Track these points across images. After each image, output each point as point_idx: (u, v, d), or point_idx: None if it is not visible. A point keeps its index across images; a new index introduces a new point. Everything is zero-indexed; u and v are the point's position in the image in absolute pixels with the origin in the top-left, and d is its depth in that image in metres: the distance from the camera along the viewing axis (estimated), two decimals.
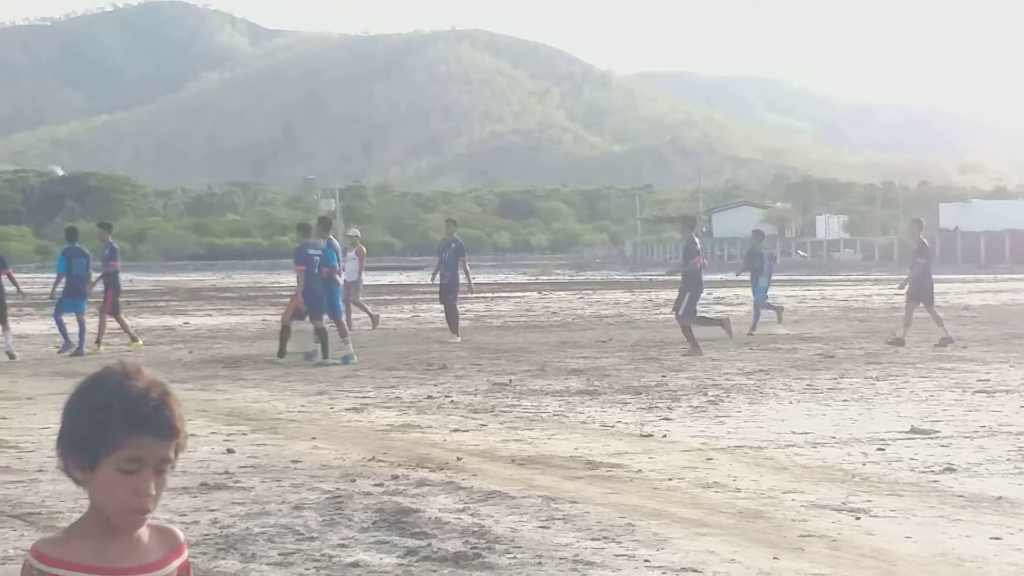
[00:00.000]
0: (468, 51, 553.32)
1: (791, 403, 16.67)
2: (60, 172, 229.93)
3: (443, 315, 29.14)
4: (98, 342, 26.12)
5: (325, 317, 23.60)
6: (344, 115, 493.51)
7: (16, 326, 28.34)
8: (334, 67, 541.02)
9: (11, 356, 24.44)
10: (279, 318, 29.58)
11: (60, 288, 26.19)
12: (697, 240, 25.57)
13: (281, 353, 23.68)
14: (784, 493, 10.46)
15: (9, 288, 25.66)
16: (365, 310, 32.21)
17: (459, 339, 27.46)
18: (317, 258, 24.00)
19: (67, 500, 10.32)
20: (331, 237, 24.91)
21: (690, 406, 16.35)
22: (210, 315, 40.98)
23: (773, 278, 33.13)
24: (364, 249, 32.70)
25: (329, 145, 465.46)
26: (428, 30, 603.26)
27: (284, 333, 24.13)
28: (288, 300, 26.21)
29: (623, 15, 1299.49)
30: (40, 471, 11.63)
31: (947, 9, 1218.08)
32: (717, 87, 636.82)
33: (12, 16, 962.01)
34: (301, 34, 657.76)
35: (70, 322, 25.74)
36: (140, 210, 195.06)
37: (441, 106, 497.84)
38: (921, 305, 25.87)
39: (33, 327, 33.60)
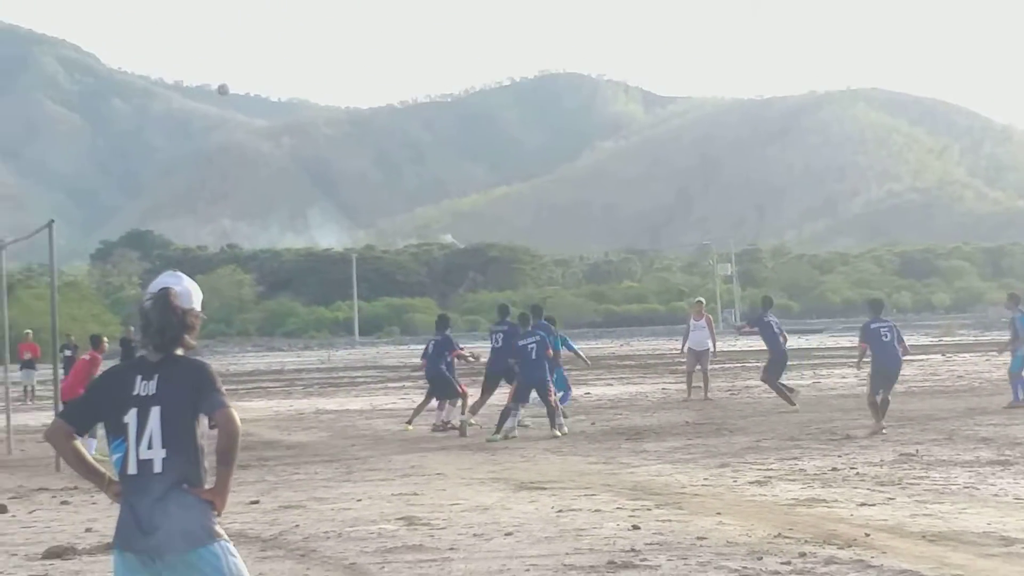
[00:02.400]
0: (863, 110, 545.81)
1: None
2: (450, 240, 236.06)
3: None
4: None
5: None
6: (738, 179, 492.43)
7: (418, 399, 28.91)
8: (727, 131, 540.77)
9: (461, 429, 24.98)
10: (684, 386, 29.71)
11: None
12: None
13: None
14: None
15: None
16: (689, 383, 32.09)
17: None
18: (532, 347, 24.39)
19: None
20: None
21: None
22: (610, 384, 41.29)
23: None
24: (711, 317, 32.54)
25: (723, 209, 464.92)
26: (822, 91, 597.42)
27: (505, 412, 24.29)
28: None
29: (1020, 67, 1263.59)
30: (452, 549, 11.89)
31: None
32: None
33: (415, 94, 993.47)
34: (694, 100, 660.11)
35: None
36: (539, 279, 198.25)
37: (836, 167, 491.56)
38: None
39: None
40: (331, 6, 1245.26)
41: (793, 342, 29.12)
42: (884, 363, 23.24)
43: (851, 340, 78.55)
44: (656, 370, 50.62)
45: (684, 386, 32.79)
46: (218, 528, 6.45)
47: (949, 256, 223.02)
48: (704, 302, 33.54)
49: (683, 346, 31.25)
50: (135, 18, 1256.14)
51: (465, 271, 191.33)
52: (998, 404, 27.83)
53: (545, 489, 15.98)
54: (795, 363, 45.16)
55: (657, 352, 73.21)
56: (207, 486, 6.52)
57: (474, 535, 12.64)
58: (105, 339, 25.01)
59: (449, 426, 25.48)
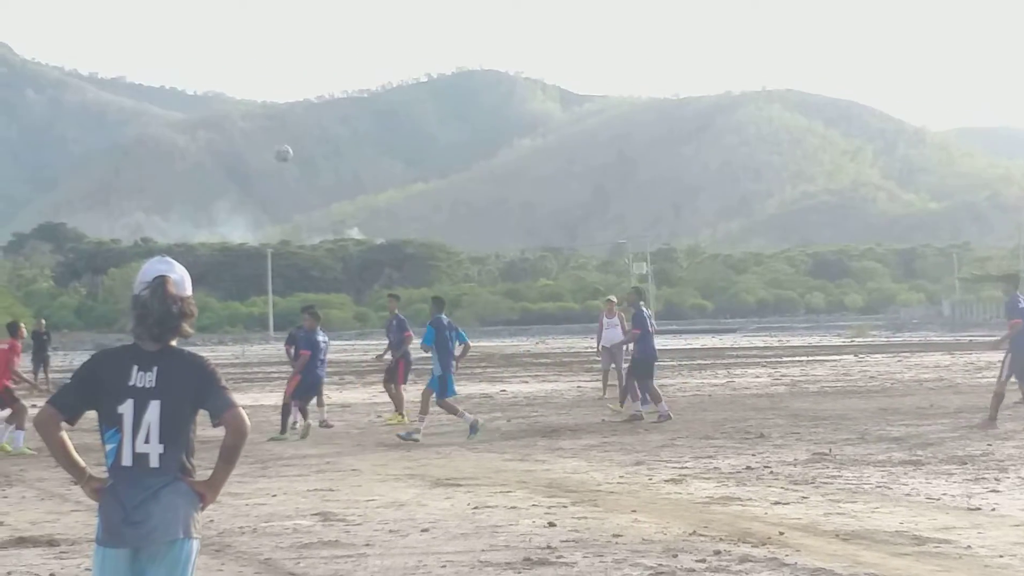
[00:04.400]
0: (779, 111, 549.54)
1: None
2: (357, 234, 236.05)
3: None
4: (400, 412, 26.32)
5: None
6: (654, 178, 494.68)
7: (339, 395, 29.03)
8: (644, 130, 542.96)
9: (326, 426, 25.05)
10: (599, 384, 29.81)
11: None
12: (1021, 297, 23.76)
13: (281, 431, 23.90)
14: None
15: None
16: (604, 382, 32.10)
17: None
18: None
19: (396, 573, 10.52)
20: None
21: (1019, 477, 15.88)
22: (526, 382, 41.37)
23: None
24: (623, 315, 32.32)
25: (639, 208, 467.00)
26: (738, 91, 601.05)
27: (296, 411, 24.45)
28: None
29: (937, 71, 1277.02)
30: (368, 545, 11.87)
31: None
32: None
33: (332, 89, 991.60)
34: (611, 99, 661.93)
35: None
36: (455, 276, 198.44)
37: (751, 167, 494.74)
38: None
39: (356, 396, 34.41)
40: (248, 0, 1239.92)
41: (707, 341, 29.24)
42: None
43: (764, 340, 79.33)
44: (571, 368, 50.75)
45: (599, 384, 32.85)
46: (197, 526, 6.41)
47: (862, 257, 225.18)
48: (616, 300, 33.50)
49: (598, 344, 31.32)
50: (50, 7, 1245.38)
51: (381, 267, 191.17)
52: (910, 404, 28.15)
53: (461, 486, 15.98)
54: (710, 362, 45.42)
55: (572, 350, 73.43)
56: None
57: (390, 531, 12.61)
58: (23, 324, 24.71)
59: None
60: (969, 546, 11.26)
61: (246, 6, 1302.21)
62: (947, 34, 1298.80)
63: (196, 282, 7.36)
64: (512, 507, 14.06)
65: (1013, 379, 23.07)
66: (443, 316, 23.54)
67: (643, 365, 25.68)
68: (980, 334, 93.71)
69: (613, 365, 30.94)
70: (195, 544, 6.39)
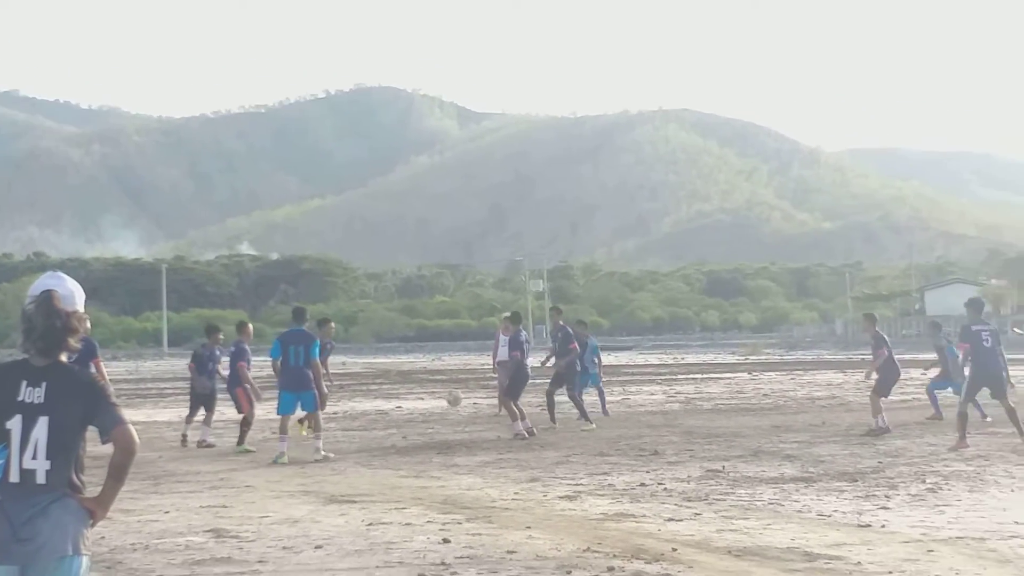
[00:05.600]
0: (675, 131, 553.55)
1: (1013, 491, 16.27)
2: (246, 249, 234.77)
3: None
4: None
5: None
6: (551, 196, 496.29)
7: (233, 412, 28.63)
8: (541, 148, 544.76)
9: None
10: (495, 401, 29.87)
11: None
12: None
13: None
14: None
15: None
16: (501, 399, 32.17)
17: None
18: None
19: None
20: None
21: (908, 494, 16.04)
22: (422, 399, 41.30)
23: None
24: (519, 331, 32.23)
25: (536, 226, 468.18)
26: (635, 110, 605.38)
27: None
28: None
29: (831, 93, 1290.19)
30: (261, 562, 11.80)
31: None
32: (929, 162, 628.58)
33: (228, 105, 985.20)
34: (508, 116, 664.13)
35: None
36: (351, 292, 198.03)
37: (648, 186, 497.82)
38: None
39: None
40: (144, 14, 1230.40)
41: (603, 359, 29.34)
42: (985, 367, 22.55)
43: (659, 357, 79.84)
44: (467, 385, 50.71)
45: (495, 400, 32.83)
46: (87, 543, 6.35)
47: (756, 276, 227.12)
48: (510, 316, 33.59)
49: (494, 361, 31.32)
50: None
51: (276, 283, 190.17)
52: (803, 422, 28.38)
53: (356, 502, 15.92)
54: (606, 379, 45.58)
55: (469, 367, 73.42)
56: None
57: (283, 548, 12.54)
58: None
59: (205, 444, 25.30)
60: (859, 562, 11.36)
61: (143, 20, 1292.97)
62: (842, 56, 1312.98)
63: (89, 297, 7.30)
64: (407, 524, 14.03)
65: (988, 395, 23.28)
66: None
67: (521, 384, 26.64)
68: (871, 353, 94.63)
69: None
70: (85, 561, 6.34)
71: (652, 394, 40.85)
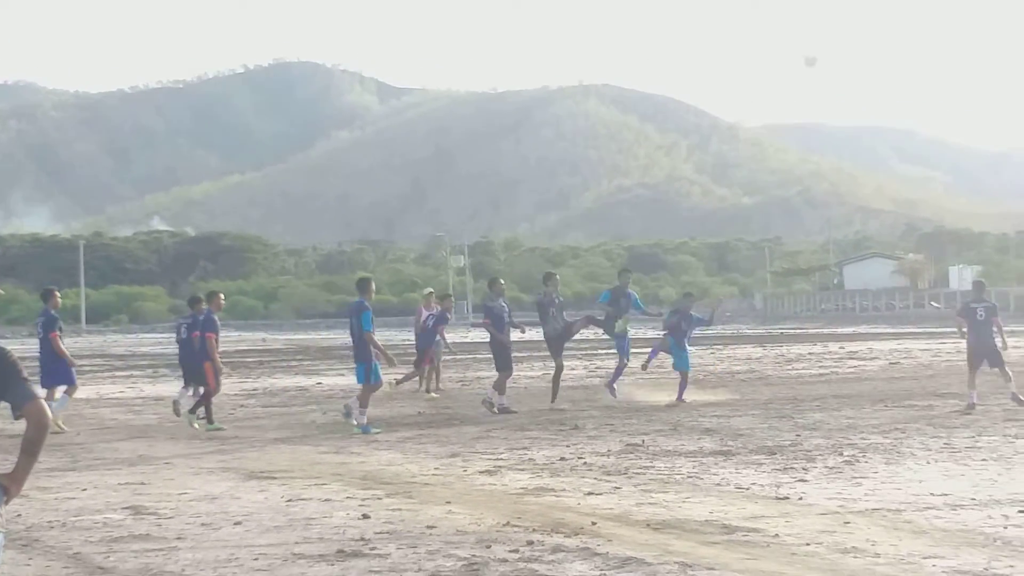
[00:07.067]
0: (595, 106, 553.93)
1: (928, 463, 16.45)
2: (156, 224, 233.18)
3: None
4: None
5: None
6: (472, 171, 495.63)
7: (152, 388, 28.67)
8: (462, 124, 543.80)
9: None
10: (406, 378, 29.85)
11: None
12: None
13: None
14: (924, 559, 10.29)
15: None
16: (436, 374, 32.02)
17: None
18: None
19: (207, 569, 10.42)
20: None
21: (826, 467, 16.18)
22: (342, 375, 41.17)
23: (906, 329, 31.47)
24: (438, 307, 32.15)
25: (458, 201, 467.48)
26: (555, 86, 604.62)
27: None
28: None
29: (751, 68, 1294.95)
30: (179, 539, 11.74)
31: None
32: (847, 138, 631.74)
33: (146, 80, 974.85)
34: (429, 92, 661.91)
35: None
36: (272, 269, 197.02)
37: (569, 161, 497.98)
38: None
39: (170, 389, 33.99)
40: None
41: (524, 334, 29.22)
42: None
43: (581, 332, 79.74)
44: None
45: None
46: (2, 520, 6.29)
47: (676, 251, 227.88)
48: (434, 292, 33.68)
49: (416, 337, 31.27)
50: None
51: (196, 260, 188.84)
52: (722, 396, 28.56)
53: (275, 479, 15.88)
54: (526, 355, 45.61)
55: (389, 343, 73.17)
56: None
57: (202, 524, 12.49)
58: None
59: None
60: (777, 534, 11.45)
61: None
62: (761, 31, 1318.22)
63: (6, 274, 7.23)
64: (326, 499, 14.01)
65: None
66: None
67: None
68: (791, 327, 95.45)
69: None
70: (0, 538, 6.29)
71: (573, 369, 40.90)
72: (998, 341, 25.26)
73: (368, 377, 22.83)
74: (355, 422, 22.39)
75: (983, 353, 24.90)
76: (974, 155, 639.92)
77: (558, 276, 30.08)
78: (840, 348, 54.12)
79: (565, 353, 27.97)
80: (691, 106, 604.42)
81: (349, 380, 37.47)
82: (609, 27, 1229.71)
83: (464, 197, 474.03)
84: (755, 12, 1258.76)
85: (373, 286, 24.31)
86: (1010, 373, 24.98)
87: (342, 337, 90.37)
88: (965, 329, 25.40)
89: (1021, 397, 24.26)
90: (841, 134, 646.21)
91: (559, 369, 27.24)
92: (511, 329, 27.09)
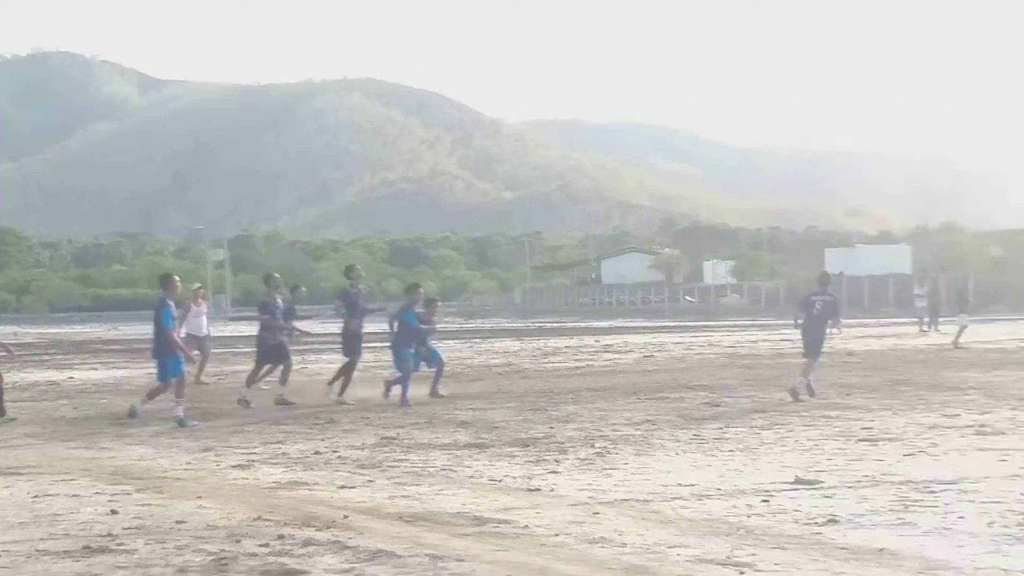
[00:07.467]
0: (359, 100, 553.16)
1: (677, 454, 16.73)
2: None
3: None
4: None
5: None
6: (234, 165, 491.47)
7: None
8: (224, 117, 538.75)
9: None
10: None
11: None
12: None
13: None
14: (669, 548, 10.47)
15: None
16: (200, 367, 31.96)
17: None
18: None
19: None
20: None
21: (577, 458, 16.36)
22: (95, 368, 40.54)
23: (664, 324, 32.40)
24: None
25: (219, 195, 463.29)
26: (319, 79, 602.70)
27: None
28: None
29: (513, 64, 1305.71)
30: None
31: (834, 55, 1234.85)
32: (608, 134, 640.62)
33: None
34: (191, 84, 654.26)
35: None
36: (25, 262, 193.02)
37: (331, 155, 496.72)
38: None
39: None
40: None
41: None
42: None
43: (339, 326, 79.45)
44: (144, 355, 49.80)
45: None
46: None
47: (438, 245, 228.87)
48: (202, 287, 33.47)
49: (178, 333, 30.88)
50: None
51: None
52: (479, 389, 28.85)
53: (22, 474, 15.56)
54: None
55: (146, 337, 72.15)
56: None
57: None
58: None
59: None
60: (527, 525, 11.55)
61: None
62: (525, 27, 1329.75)
63: None
64: (74, 495, 13.78)
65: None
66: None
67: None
68: (549, 320, 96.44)
69: (197, 352, 30.80)
70: None
71: (330, 363, 40.72)
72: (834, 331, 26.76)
73: (166, 373, 22.51)
74: (175, 414, 22.08)
75: (808, 343, 25.63)
76: (728, 152, 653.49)
77: (359, 267, 29.83)
78: (596, 341, 54.82)
79: (319, 347, 27.96)
80: (455, 101, 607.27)
81: (102, 375, 36.92)
82: (374, 21, 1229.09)
83: (225, 191, 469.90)
84: (518, 9, 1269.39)
85: (177, 283, 23.72)
86: (813, 370, 25.39)
87: (97, 331, 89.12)
88: (800, 320, 26.01)
89: (800, 392, 24.53)
90: (603, 130, 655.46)
91: (354, 365, 27.35)
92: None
